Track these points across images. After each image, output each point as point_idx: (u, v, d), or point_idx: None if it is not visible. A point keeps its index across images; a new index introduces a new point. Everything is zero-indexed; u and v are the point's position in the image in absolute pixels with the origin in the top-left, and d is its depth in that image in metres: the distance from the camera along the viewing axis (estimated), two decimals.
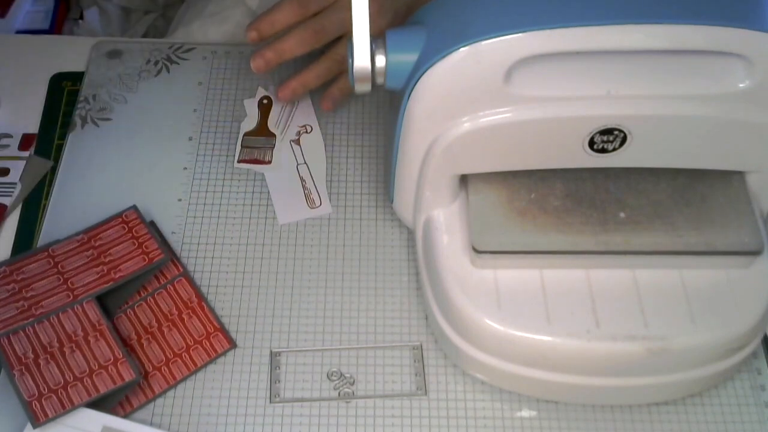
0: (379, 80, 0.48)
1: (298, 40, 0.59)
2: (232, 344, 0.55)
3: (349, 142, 0.64)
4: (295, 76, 0.63)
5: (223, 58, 0.69)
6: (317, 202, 0.61)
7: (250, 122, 0.65)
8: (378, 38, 0.47)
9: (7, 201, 0.61)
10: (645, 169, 0.52)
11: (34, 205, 0.61)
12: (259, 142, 0.64)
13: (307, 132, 0.65)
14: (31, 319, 0.53)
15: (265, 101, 0.66)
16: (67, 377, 0.51)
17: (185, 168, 0.63)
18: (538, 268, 0.51)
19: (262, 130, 0.65)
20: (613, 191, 0.52)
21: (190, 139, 0.65)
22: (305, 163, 0.63)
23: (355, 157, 0.64)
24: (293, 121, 0.65)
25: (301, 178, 0.62)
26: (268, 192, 0.62)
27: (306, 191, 0.61)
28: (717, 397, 0.53)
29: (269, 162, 0.63)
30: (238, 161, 0.63)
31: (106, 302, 0.55)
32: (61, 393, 0.50)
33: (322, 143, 0.64)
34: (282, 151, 0.64)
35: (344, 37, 0.61)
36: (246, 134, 0.65)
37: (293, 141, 0.64)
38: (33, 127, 0.66)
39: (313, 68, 0.62)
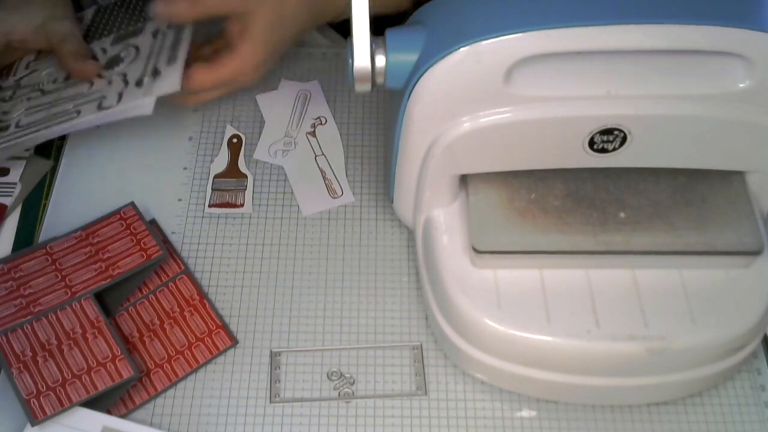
0: (379, 80, 0.48)
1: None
2: (234, 341, 0.55)
3: (349, 142, 0.64)
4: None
5: None
6: (339, 192, 0.61)
7: (220, 163, 0.63)
8: (378, 38, 0.47)
9: (7, 201, 0.61)
10: (645, 169, 0.52)
11: (34, 204, 0.61)
12: (230, 185, 0.62)
13: (321, 124, 0.65)
14: (29, 317, 0.53)
15: (234, 140, 0.64)
16: (66, 375, 0.51)
17: (185, 168, 0.63)
18: (538, 268, 0.51)
19: (232, 171, 0.63)
20: (613, 191, 0.52)
21: (190, 139, 0.65)
22: (323, 154, 0.63)
23: (354, 157, 0.64)
24: (307, 113, 0.65)
25: (321, 170, 0.62)
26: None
27: (327, 182, 0.62)
28: (717, 397, 0.53)
29: (242, 205, 0.61)
30: (209, 206, 0.61)
31: (107, 300, 0.55)
32: (59, 391, 0.50)
33: (338, 134, 0.64)
34: (299, 144, 0.64)
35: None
36: (216, 176, 0.63)
37: (309, 133, 0.64)
38: None
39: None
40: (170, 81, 0.57)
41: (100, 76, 0.60)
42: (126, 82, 0.59)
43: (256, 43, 0.57)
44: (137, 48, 0.61)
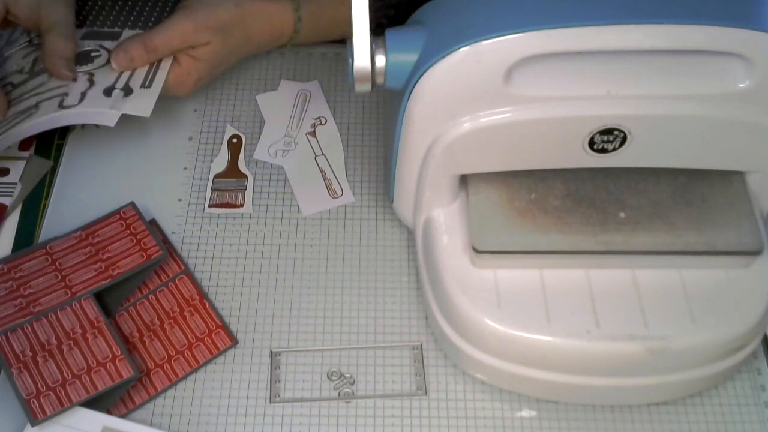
0: (379, 80, 0.48)
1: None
2: (234, 341, 0.55)
3: (349, 142, 0.64)
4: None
5: None
6: (339, 192, 0.61)
7: (220, 163, 0.63)
8: (378, 38, 0.47)
9: (7, 201, 0.61)
10: (645, 169, 0.52)
11: (34, 204, 0.61)
12: (230, 185, 0.62)
13: (321, 124, 0.65)
14: (29, 317, 0.53)
15: (234, 140, 0.64)
16: (66, 375, 0.51)
17: (185, 168, 0.63)
18: (538, 268, 0.51)
19: (232, 171, 0.63)
20: (613, 191, 0.52)
21: (190, 139, 0.65)
22: (323, 154, 0.63)
23: (354, 157, 0.64)
24: (307, 113, 0.66)
25: (321, 170, 0.62)
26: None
27: (327, 182, 0.62)
28: (717, 397, 0.53)
29: (242, 205, 0.61)
30: (209, 206, 0.61)
31: (107, 300, 0.55)
32: (59, 391, 0.50)
33: (338, 134, 0.64)
34: (299, 144, 0.64)
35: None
36: (216, 176, 0.63)
37: (309, 133, 0.64)
38: None
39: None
40: (143, 106, 0.58)
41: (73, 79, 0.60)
42: (91, 83, 0.59)
43: (199, 62, 0.61)
44: (110, 53, 0.61)
